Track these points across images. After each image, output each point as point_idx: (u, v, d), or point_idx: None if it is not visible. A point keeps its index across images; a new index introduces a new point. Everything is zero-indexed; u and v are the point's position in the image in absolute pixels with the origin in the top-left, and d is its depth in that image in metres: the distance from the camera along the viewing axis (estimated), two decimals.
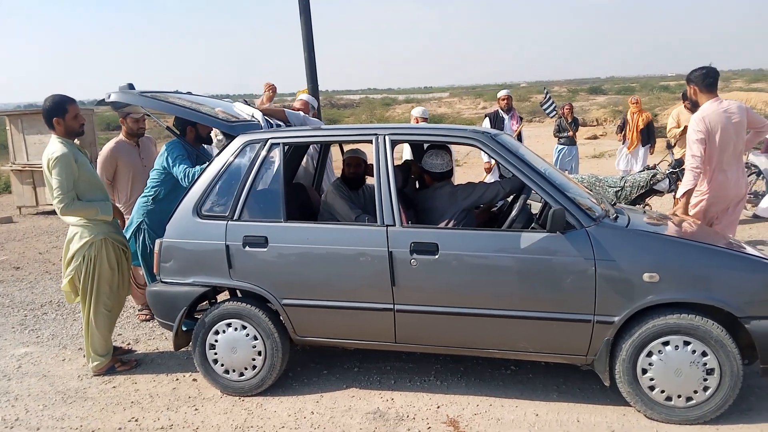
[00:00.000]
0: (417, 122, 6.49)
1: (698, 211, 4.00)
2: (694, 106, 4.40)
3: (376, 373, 3.54)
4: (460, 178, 9.90)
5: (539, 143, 20.06)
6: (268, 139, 3.43)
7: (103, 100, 3.88)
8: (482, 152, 3.43)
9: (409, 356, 3.70)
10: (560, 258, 2.92)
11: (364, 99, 56.45)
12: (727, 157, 3.89)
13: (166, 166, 3.97)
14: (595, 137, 21.28)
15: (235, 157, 3.45)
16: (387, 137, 3.27)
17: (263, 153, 3.40)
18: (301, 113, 4.41)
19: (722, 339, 2.76)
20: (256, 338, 3.31)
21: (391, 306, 3.13)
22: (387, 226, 3.14)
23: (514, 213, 3.26)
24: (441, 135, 3.48)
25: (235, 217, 3.32)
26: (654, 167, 6.40)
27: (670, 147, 7.00)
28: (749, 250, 3.10)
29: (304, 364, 3.70)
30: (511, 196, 3.74)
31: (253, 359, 3.33)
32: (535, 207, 3.56)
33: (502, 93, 7.82)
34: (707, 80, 4.03)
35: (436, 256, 3.04)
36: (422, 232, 3.16)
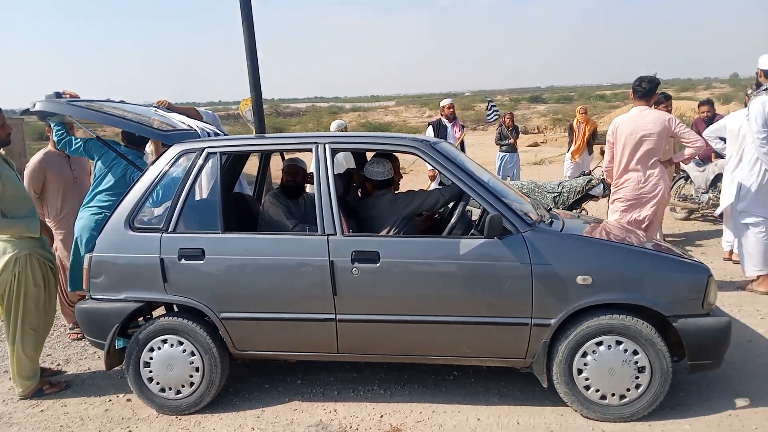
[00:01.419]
0: None
1: (619, 210, 4.55)
2: None
3: (320, 384, 3.49)
4: (406, 185, 10.00)
5: (483, 150, 20.47)
6: (205, 148, 3.35)
7: (28, 109, 3.70)
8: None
9: (353, 366, 3.67)
10: (498, 263, 2.97)
11: (310, 107, 56.18)
12: (634, 161, 4.48)
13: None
14: (536, 144, 21.94)
15: (169, 167, 3.35)
16: (327, 146, 3.25)
17: (199, 162, 3.31)
18: (211, 111, 4.52)
19: (652, 338, 2.87)
20: (193, 354, 3.20)
21: (332, 316, 3.10)
22: (328, 235, 3.11)
23: (453, 220, 3.30)
24: (382, 143, 3.49)
25: (170, 229, 3.22)
26: (589, 173, 6.64)
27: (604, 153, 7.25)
28: (676, 251, 3.25)
29: (245, 379, 3.61)
30: (453, 204, 3.79)
31: (191, 376, 3.22)
32: (477, 213, 3.62)
33: (445, 102, 7.93)
34: (639, 90, 4.55)
35: (378, 265, 3.04)
36: (363, 241, 3.15)
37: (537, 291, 2.93)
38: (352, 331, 3.12)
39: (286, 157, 4.14)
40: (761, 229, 4.60)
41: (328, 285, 3.06)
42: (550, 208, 3.66)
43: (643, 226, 4.54)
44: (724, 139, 5.22)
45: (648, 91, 4.59)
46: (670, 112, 5.76)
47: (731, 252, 5.47)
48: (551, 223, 3.19)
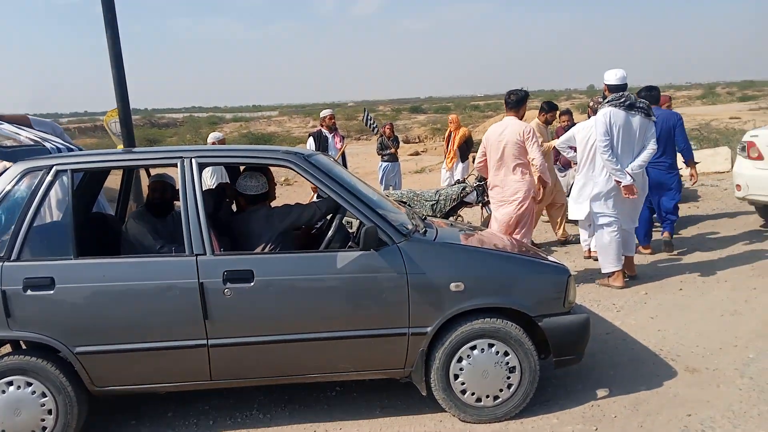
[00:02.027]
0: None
1: (494, 207, 5.15)
2: None
3: (194, 414, 3.28)
4: (290, 197, 9.85)
5: (366, 160, 20.74)
6: (53, 165, 3.03)
7: None
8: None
9: (230, 391, 3.49)
10: (375, 275, 2.97)
11: (188, 118, 53.85)
12: (499, 166, 5.01)
13: None
14: (417, 153, 22.63)
15: (12, 188, 3.00)
16: (193, 160, 3.08)
17: (47, 181, 2.99)
18: (48, 120, 4.15)
19: (520, 338, 3.02)
20: (44, 395, 2.87)
21: (204, 341, 2.92)
22: (196, 255, 2.94)
23: (330, 233, 3.26)
24: (252, 156, 3.37)
25: (12, 257, 2.87)
26: (463, 181, 6.93)
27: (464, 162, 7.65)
28: (540, 254, 3.46)
29: (110, 416, 3.30)
30: (332, 216, 3.75)
31: (42, 420, 2.87)
32: (357, 225, 3.61)
33: (325, 112, 7.91)
34: (509, 102, 5.08)
35: (252, 284, 2.91)
36: (236, 259, 3.01)
37: (413, 300, 2.97)
38: (226, 355, 2.97)
39: (152, 172, 3.88)
40: (614, 228, 5.01)
41: (198, 309, 2.89)
42: (425, 217, 3.74)
43: (515, 227, 5.00)
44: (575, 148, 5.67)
45: (516, 102, 5.01)
46: (553, 120, 6.22)
47: (589, 250, 5.95)
48: (425, 232, 3.25)
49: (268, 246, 3.33)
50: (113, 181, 4.12)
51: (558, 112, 6.95)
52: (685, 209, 7.80)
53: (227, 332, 2.94)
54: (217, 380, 3.01)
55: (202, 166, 3.11)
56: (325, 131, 7.65)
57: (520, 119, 5.08)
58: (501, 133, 4.94)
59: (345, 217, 3.54)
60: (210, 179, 6.19)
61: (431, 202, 6.56)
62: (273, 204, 3.66)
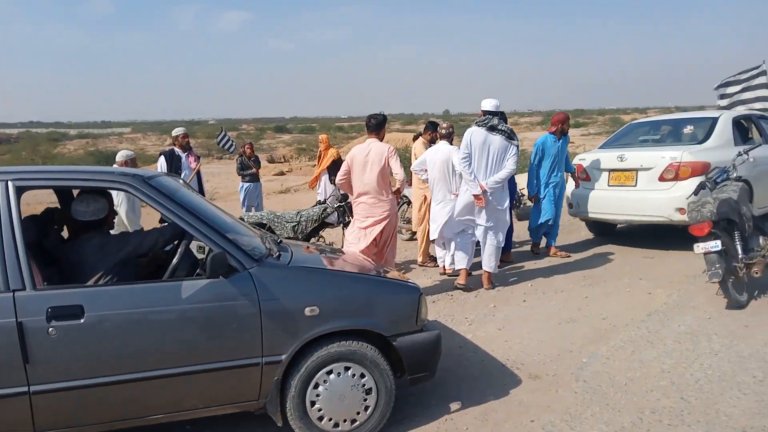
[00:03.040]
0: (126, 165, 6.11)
1: (357, 225, 5.34)
2: None
3: None
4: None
5: (228, 180, 20.06)
6: None
7: None
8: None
9: None
10: (225, 304, 2.82)
11: (24, 134, 48.46)
12: (364, 185, 5.24)
13: None
14: (282, 173, 22.38)
15: None
16: (10, 183, 2.73)
17: None
18: None
19: (376, 359, 3.03)
20: None
21: (25, 389, 2.56)
22: (14, 291, 2.59)
23: (174, 261, 3.04)
24: (83, 179, 3.04)
25: None
26: (324, 201, 6.93)
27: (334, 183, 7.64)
28: (394, 274, 3.52)
29: None
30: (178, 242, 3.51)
31: None
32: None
33: (178, 131, 7.49)
34: (370, 125, 5.40)
35: (82, 320, 2.62)
36: (62, 294, 2.69)
37: (266, 328, 2.86)
38: (53, 402, 2.62)
39: None
40: (469, 231, 5.63)
41: (16, 352, 2.53)
42: (280, 241, 3.64)
43: (381, 244, 5.33)
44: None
45: (377, 125, 5.37)
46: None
47: (445, 268, 6.23)
48: (279, 256, 3.17)
49: (105, 277, 3.03)
50: None
51: (413, 136, 7.30)
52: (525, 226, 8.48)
53: (53, 376, 2.60)
54: (43, 431, 2.65)
55: (20, 190, 2.76)
56: (178, 150, 7.24)
57: (381, 140, 5.39)
58: (366, 155, 5.24)
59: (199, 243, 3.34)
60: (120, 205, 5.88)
61: (292, 224, 6.47)
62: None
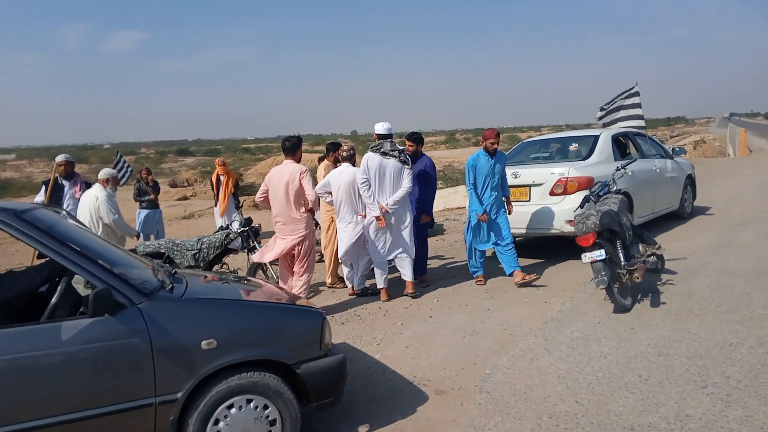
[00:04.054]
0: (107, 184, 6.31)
1: (276, 242, 5.58)
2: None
3: None
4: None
5: (128, 207, 19.01)
6: None
7: None
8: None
9: None
10: (111, 343, 2.64)
11: None
12: (282, 205, 5.48)
13: None
14: (185, 198, 21.51)
15: None
16: None
17: None
18: None
19: (279, 389, 2.94)
20: None
21: None
22: None
23: (54, 300, 2.83)
24: None
25: None
26: (227, 227, 6.71)
27: (238, 207, 7.48)
28: (297, 301, 3.46)
29: None
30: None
31: None
32: None
33: (59, 158, 6.97)
34: (285, 147, 5.63)
35: None
36: None
37: (159, 366, 2.70)
38: None
39: None
40: (382, 253, 5.88)
41: None
42: (175, 272, 3.46)
43: (298, 261, 5.57)
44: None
45: (291, 147, 5.60)
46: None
47: (353, 288, 6.23)
48: (172, 288, 3.02)
49: None
50: None
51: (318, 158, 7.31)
52: (433, 242, 8.70)
53: None
54: None
55: None
56: (60, 179, 6.73)
57: (297, 162, 5.63)
58: (282, 176, 5.48)
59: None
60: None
61: (193, 252, 6.19)
62: None
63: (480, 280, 6.32)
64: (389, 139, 5.92)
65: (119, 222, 6.20)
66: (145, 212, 9.55)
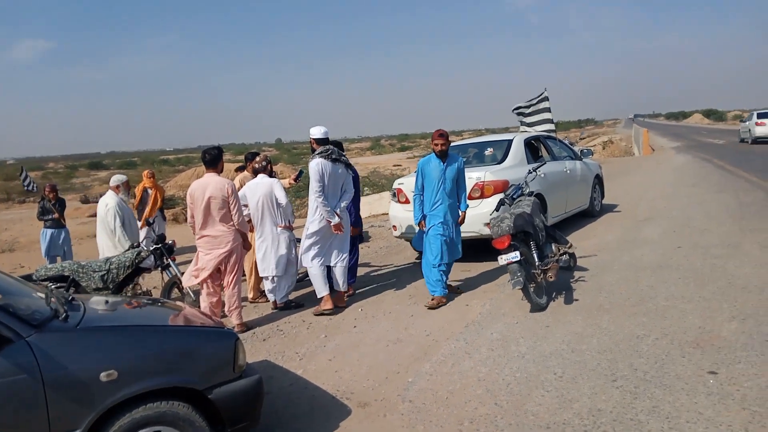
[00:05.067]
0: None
1: (203, 265, 5.34)
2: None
3: None
4: None
5: (32, 227, 17.77)
6: None
7: None
8: None
9: None
10: None
11: None
12: (207, 219, 5.27)
13: None
14: (95, 215, 20.32)
15: None
16: None
17: None
18: None
19: (190, 417, 2.79)
20: None
21: None
22: None
23: None
24: None
25: None
26: (138, 245, 6.37)
27: (149, 224, 7.13)
28: (207, 322, 3.29)
29: None
30: None
31: None
32: None
33: None
34: (205, 160, 5.39)
35: None
36: None
37: (52, 402, 2.50)
38: None
39: None
40: (320, 260, 5.77)
41: None
42: (72, 298, 3.20)
43: (225, 274, 5.38)
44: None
45: (212, 160, 5.39)
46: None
47: (275, 302, 6.08)
48: (67, 317, 2.79)
49: None
50: None
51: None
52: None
53: None
54: None
55: None
56: None
57: (220, 174, 5.45)
58: (205, 190, 5.26)
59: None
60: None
61: (101, 273, 5.82)
62: None
63: (437, 300, 5.58)
64: (331, 145, 5.80)
65: (117, 230, 6.76)
66: (49, 232, 8.94)
